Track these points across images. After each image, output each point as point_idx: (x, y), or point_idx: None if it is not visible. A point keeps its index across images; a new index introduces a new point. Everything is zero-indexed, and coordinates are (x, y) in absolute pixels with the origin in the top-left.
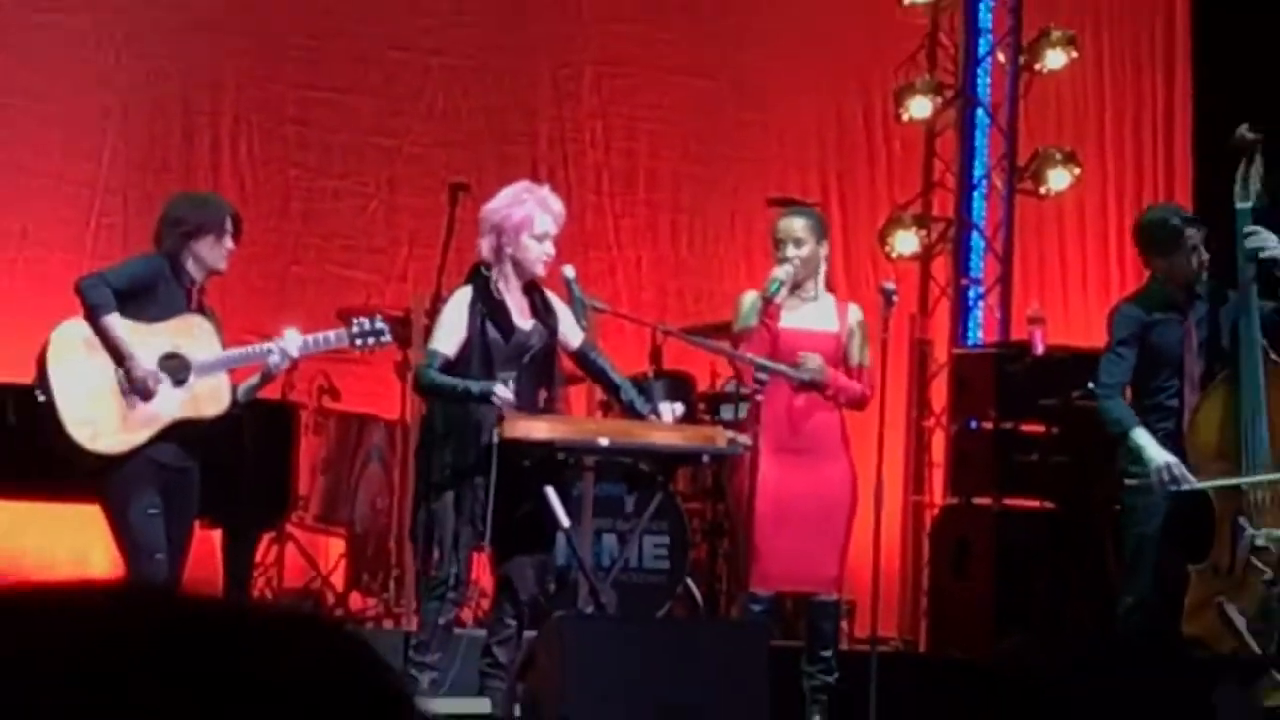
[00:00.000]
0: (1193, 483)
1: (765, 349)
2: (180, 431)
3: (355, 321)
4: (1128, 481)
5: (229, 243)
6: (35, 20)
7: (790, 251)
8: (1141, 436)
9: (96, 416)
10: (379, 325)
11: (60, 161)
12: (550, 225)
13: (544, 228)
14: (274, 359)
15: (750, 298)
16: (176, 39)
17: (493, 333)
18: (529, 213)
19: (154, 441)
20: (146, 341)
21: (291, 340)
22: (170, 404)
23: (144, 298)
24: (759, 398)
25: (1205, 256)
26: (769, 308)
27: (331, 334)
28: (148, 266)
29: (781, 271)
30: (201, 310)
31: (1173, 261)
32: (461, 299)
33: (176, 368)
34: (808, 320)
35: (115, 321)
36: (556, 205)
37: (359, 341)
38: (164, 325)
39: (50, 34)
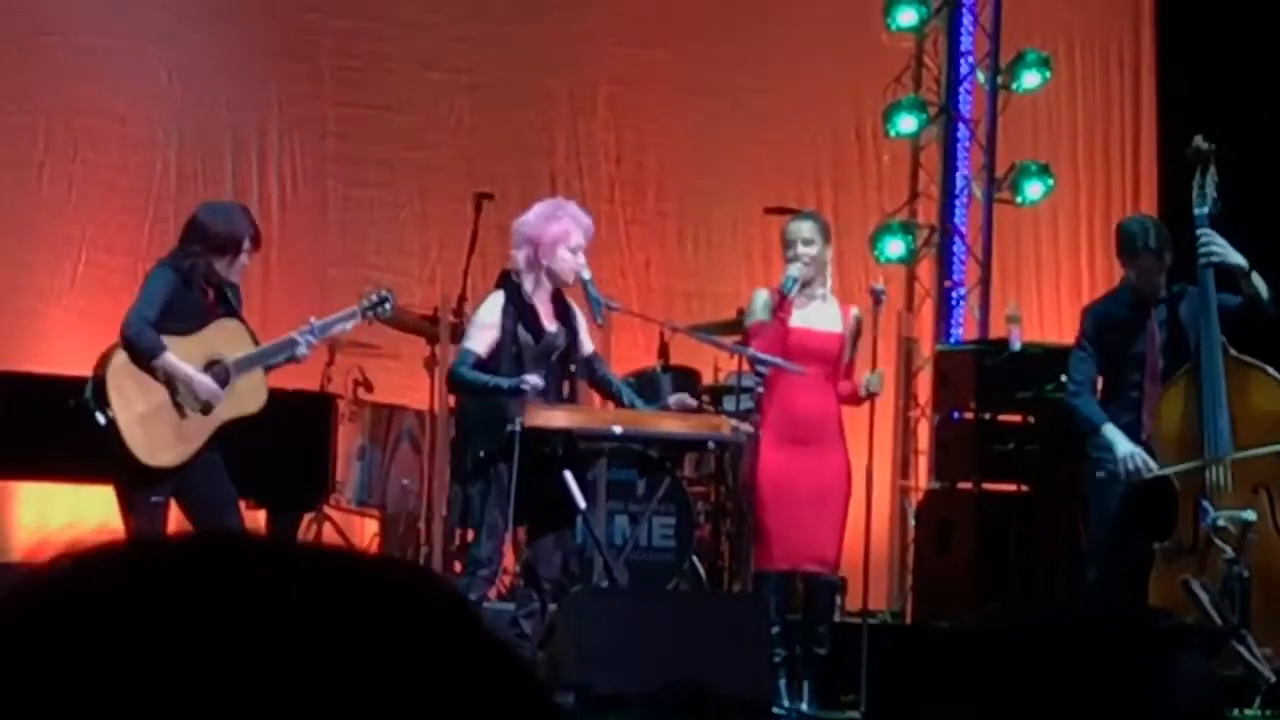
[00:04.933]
0: (1154, 469)
1: (778, 346)
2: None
3: (363, 296)
4: (1097, 473)
5: (245, 260)
6: (92, 44)
7: (800, 250)
8: (1110, 432)
9: (155, 434)
10: (384, 294)
11: (115, 173)
12: (582, 239)
13: (578, 241)
14: (300, 349)
15: (763, 295)
16: (225, 59)
17: (524, 334)
18: (566, 228)
19: (208, 446)
20: (189, 354)
21: (313, 326)
22: (219, 409)
23: (170, 312)
24: (759, 389)
25: (1168, 265)
26: (783, 303)
27: (344, 312)
28: (165, 285)
29: (795, 269)
30: (222, 299)
31: (1140, 268)
32: (494, 303)
33: (219, 373)
34: (817, 321)
35: (169, 359)
36: (586, 220)
37: (369, 313)
38: (200, 336)
39: (106, 56)
